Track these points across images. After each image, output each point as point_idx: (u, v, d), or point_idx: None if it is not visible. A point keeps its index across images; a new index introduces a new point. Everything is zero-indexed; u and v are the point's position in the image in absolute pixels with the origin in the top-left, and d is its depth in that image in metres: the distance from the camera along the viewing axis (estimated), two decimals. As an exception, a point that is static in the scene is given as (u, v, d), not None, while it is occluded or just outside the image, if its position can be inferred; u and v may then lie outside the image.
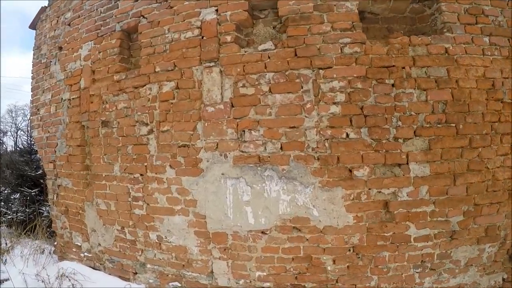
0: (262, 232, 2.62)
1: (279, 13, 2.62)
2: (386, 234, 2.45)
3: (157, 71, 2.95)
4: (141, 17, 3.09)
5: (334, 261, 2.51)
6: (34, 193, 5.69)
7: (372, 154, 2.41)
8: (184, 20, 2.85)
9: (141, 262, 3.14)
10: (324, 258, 2.52)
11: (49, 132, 3.95)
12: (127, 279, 3.18)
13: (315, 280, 2.55)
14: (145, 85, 3.01)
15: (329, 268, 2.52)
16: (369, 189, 2.43)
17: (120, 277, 3.24)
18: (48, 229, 4.63)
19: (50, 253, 3.96)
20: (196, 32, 2.79)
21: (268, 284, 2.63)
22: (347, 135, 2.43)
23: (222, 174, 2.66)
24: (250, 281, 2.68)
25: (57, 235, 4.00)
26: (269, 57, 2.57)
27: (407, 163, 2.40)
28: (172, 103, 2.86)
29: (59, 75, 3.83)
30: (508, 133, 2.50)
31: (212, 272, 2.77)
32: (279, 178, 2.52)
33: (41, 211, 5.43)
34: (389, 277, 2.49)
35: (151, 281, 3.05)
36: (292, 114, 2.50)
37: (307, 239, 2.53)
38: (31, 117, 4.30)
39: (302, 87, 2.50)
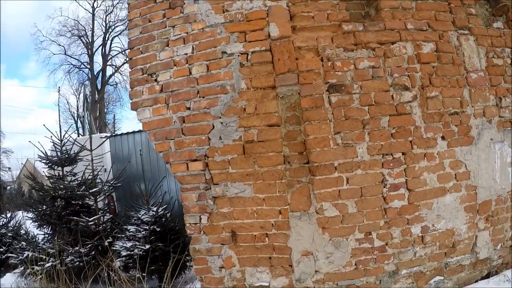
0: (513, 191, 2.81)
1: (498, -2, 3.01)
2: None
3: (409, 29, 2.53)
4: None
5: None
6: (93, 224, 3.59)
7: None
8: (433, -20, 2.65)
9: (389, 272, 2.45)
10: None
11: (188, 108, 2.37)
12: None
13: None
14: (395, 42, 2.48)
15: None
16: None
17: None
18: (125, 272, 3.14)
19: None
20: (444, -4, 2.67)
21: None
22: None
23: (491, 139, 2.66)
24: (504, 243, 2.76)
25: (205, 281, 2.37)
26: (504, 35, 2.88)
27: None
28: (434, 66, 2.54)
29: (210, 18, 2.44)
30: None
31: (474, 247, 2.63)
32: (524, 140, 2.85)
33: (115, 247, 3.40)
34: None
35: (406, 289, 2.44)
36: (523, 85, 2.92)
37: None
38: (132, 90, 2.62)
39: (523, 65, 2.98)
